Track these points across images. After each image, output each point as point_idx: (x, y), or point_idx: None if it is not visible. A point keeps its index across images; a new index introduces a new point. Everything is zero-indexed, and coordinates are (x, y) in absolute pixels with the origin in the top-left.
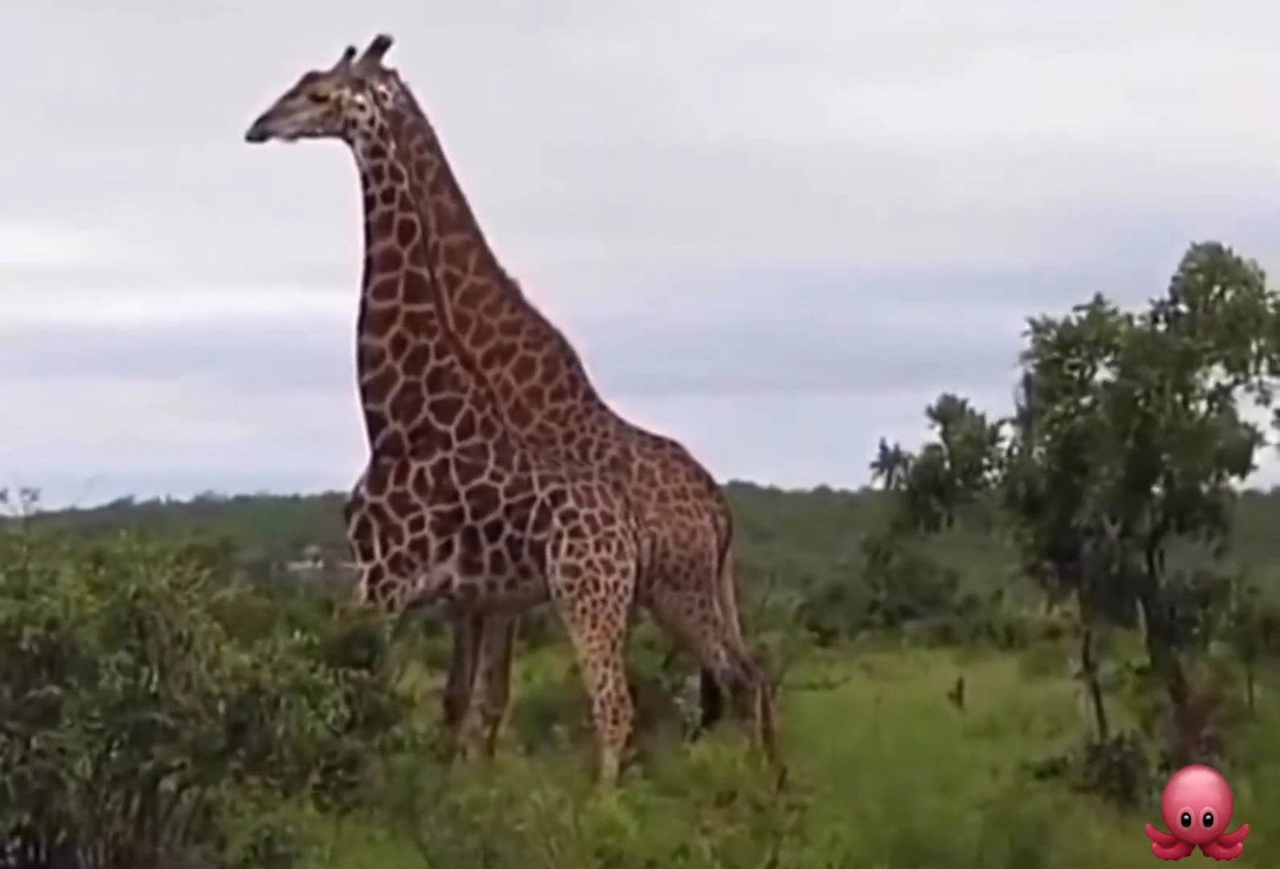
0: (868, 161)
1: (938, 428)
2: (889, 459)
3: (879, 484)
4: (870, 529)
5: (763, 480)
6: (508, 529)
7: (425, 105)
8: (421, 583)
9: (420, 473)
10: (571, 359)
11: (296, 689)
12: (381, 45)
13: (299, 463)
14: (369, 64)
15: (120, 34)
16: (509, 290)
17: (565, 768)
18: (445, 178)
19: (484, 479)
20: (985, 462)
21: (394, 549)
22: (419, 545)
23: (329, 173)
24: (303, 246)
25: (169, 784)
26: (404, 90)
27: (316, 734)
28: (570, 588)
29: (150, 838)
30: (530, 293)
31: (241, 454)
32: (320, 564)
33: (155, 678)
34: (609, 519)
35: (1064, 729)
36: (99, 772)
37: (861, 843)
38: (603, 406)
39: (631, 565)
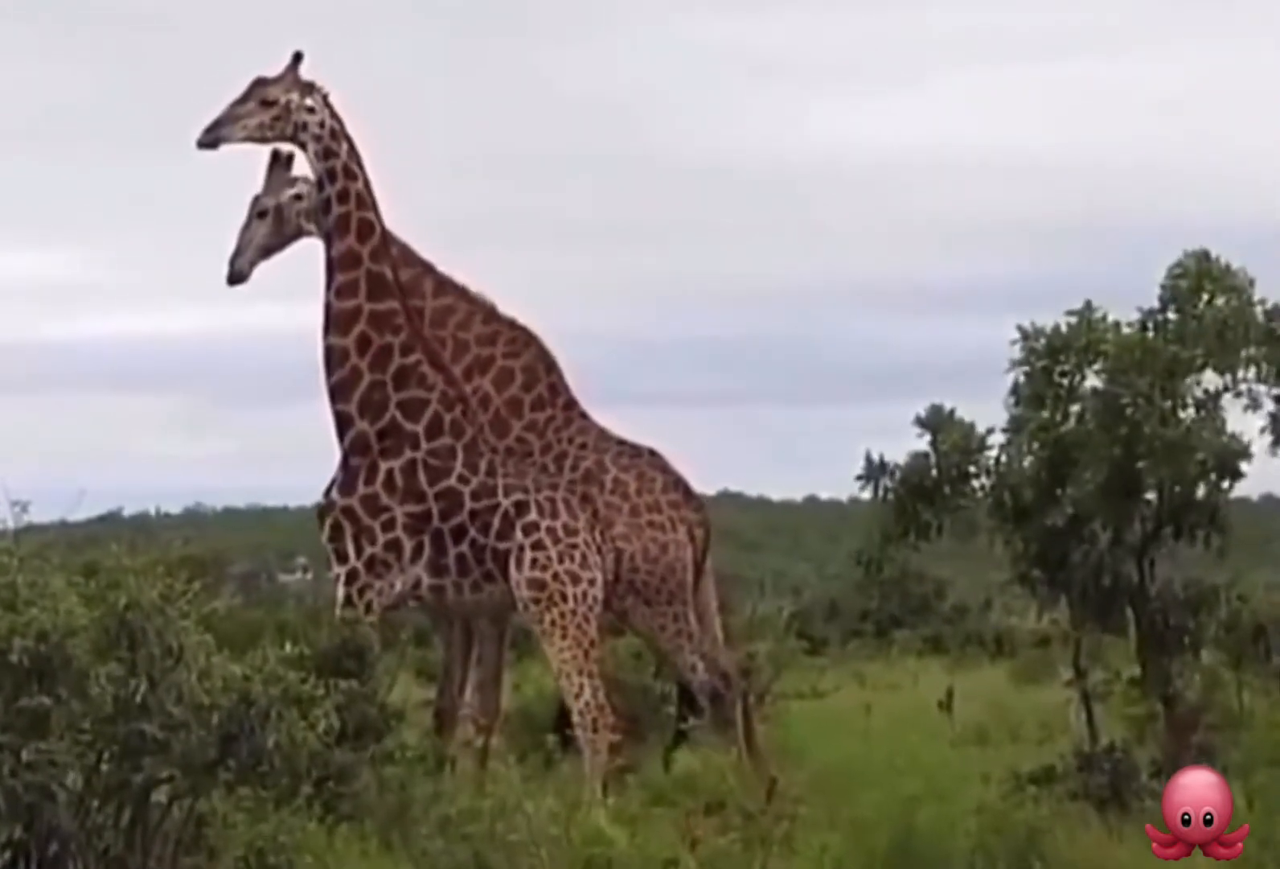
0: (853, 173)
1: (926, 437)
2: (874, 471)
3: (866, 494)
4: (860, 540)
5: (751, 490)
6: (472, 533)
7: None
8: (399, 584)
9: (390, 473)
10: (551, 367)
11: (287, 700)
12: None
13: (288, 475)
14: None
15: (111, 47)
16: (477, 306)
17: (555, 778)
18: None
19: (450, 482)
20: (973, 469)
21: (368, 551)
22: (393, 546)
23: None
24: (291, 261)
25: (160, 796)
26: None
27: (307, 745)
28: (537, 601)
29: (141, 850)
30: (504, 306)
31: (230, 467)
32: (309, 575)
33: (146, 689)
34: (571, 531)
35: (1054, 737)
36: (90, 784)
37: (854, 852)
38: (584, 415)
39: (598, 575)
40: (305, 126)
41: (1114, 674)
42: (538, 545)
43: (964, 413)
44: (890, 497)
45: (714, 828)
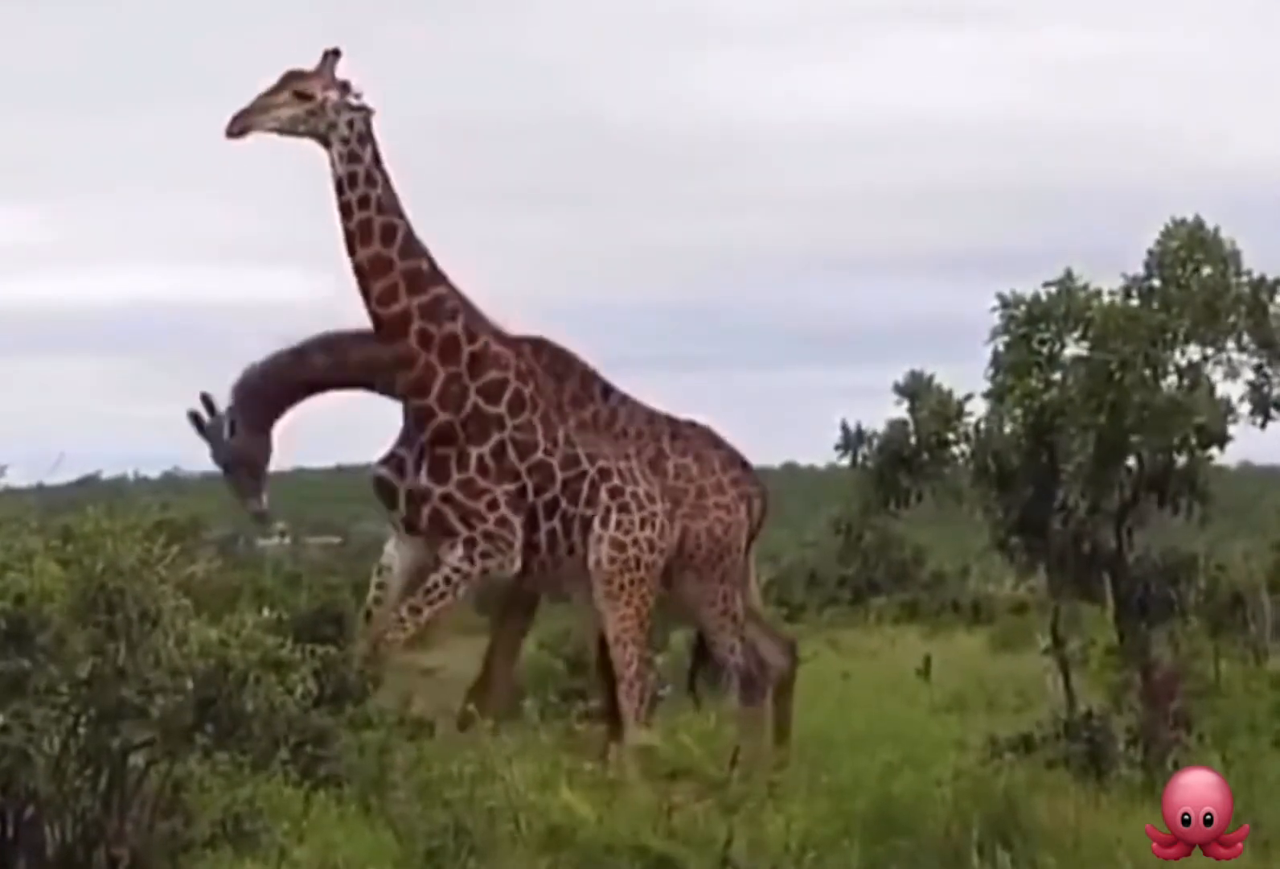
0: (823, 138)
1: (904, 404)
2: (852, 440)
3: (845, 462)
4: (840, 508)
5: None
6: (563, 505)
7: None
8: (514, 562)
9: (480, 458)
10: (570, 364)
11: (265, 665)
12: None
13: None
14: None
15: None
16: (482, 325)
17: (535, 744)
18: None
19: (539, 455)
20: (952, 436)
21: (482, 527)
22: (504, 523)
23: (289, 158)
24: (263, 226)
25: (137, 760)
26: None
27: (285, 709)
28: (613, 561)
29: (118, 814)
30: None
31: None
32: (287, 540)
33: (123, 654)
34: (652, 498)
35: (1032, 704)
36: (67, 747)
37: (831, 818)
38: (624, 399)
39: (668, 548)
40: (335, 126)
41: (1091, 642)
42: (624, 508)
43: (944, 376)
44: (869, 465)
45: (690, 795)
